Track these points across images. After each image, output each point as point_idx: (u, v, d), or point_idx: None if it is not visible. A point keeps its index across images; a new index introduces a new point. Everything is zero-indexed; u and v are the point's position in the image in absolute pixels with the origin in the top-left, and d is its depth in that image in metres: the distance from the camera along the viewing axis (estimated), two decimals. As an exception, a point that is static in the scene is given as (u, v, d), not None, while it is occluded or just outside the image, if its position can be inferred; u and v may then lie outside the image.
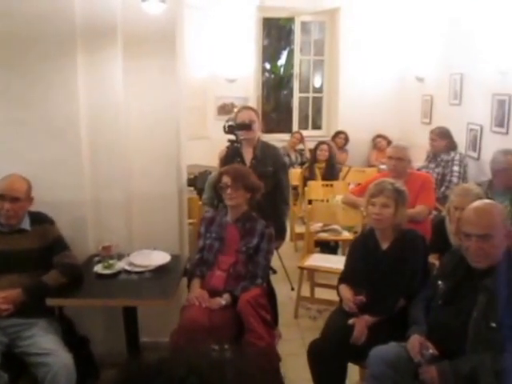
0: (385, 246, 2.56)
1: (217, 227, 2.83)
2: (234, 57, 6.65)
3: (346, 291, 2.56)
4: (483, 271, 2.01)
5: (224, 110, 6.73)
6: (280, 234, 3.34)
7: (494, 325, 1.90)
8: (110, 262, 2.76)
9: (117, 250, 2.84)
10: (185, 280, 2.88)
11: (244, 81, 6.82)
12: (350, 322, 2.40)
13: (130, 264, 2.79)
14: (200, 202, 3.96)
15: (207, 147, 5.91)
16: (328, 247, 4.70)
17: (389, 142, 6.69)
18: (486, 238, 1.96)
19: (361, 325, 2.38)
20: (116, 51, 2.90)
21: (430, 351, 2.02)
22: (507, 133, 4.21)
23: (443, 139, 4.81)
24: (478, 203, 2.08)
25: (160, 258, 2.84)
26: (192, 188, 4.59)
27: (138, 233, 3.11)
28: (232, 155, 3.34)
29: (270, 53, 9.85)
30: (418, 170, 4.87)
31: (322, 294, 3.88)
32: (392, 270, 2.47)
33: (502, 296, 1.90)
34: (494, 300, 1.92)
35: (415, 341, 2.08)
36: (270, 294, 3.25)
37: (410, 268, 2.45)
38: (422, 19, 6.14)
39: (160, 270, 2.77)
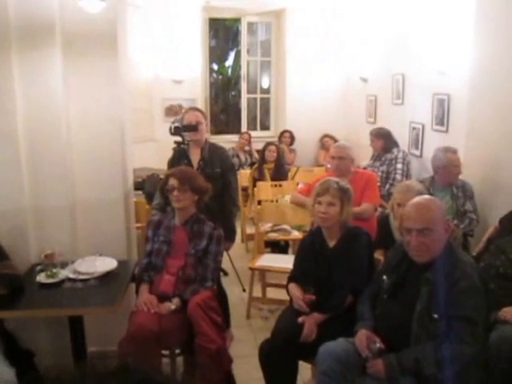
0: (332, 243, 2.60)
1: (164, 230, 2.79)
2: (181, 58, 6.59)
3: (295, 290, 2.58)
4: (425, 264, 2.08)
5: (171, 111, 6.65)
6: (230, 236, 3.33)
7: (435, 316, 1.97)
8: (54, 270, 2.65)
9: (60, 257, 2.73)
10: (133, 286, 2.82)
11: (191, 82, 6.77)
12: (300, 320, 2.41)
13: (75, 272, 2.69)
14: (148, 206, 3.88)
15: (155, 150, 5.83)
16: (278, 247, 4.74)
17: (336, 142, 6.84)
18: (425, 232, 2.03)
19: (310, 323, 2.40)
20: (55, 51, 2.79)
21: (377, 345, 2.06)
22: (447, 131, 4.39)
23: (379, 139, 5.02)
24: (417, 199, 2.15)
25: (106, 264, 2.76)
26: (140, 191, 4.51)
27: (83, 239, 3.02)
28: (179, 157, 3.30)
29: (217, 54, 9.83)
30: (364, 168, 5.01)
31: (273, 293, 3.89)
32: (339, 267, 2.51)
33: (442, 288, 1.97)
34: (437, 292, 1.99)
35: (362, 335, 2.12)
36: (221, 296, 3.24)
37: (356, 264, 2.50)
38: (364, 21, 6.31)
39: (106, 277, 2.69)
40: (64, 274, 2.67)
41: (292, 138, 6.84)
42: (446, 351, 1.89)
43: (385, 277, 2.24)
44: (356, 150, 6.58)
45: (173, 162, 3.31)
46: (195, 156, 3.33)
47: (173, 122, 3.35)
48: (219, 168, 3.31)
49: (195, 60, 6.78)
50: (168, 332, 2.48)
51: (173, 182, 2.70)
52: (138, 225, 3.68)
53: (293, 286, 2.64)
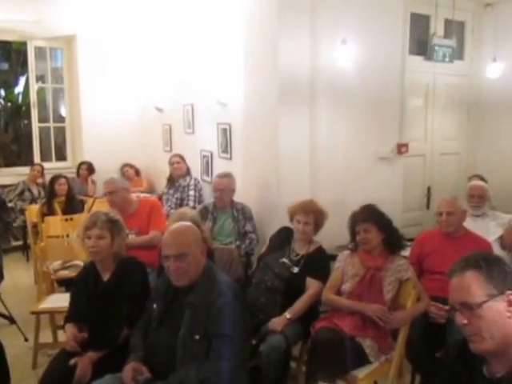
0: (106, 277, 2.55)
1: None
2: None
3: (68, 330, 2.46)
4: (187, 288, 2.15)
5: None
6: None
7: (197, 337, 2.04)
8: None
9: None
10: None
11: (-32, 109, 6.06)
12: (72, 362, 2.29)
13: None
14: None
15: None
16: (73, 284, 4.46)
17: (136, 171, 6.81)
18: (181, 257, 2.10)
19: (84, 363, 2.29)
20: None
21: (144, 375, 2.06)
22: (231, 158, 4.69)
23: (185, 162, 5.18)
24: (173, 226, 2.23)
25: None
26: None
27: None
28: None
29: (6, 79, 9.01)
30: (160, 196, 5.09)
31: (66, 335, 3.63)
32: (114, 301, 2.46)
33: (202, 309, 2.06)
34: (198, 314, 2.08)
35: (128, 368, 2.09)
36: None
37: (130, 296, 2.47)
38: (157, 51, 6.46)
39: None
40: None
41: (90, 169, 6.58)
42: (207, 370, 1.98)
43: (155, 305, 2.27)
44: (156, 177, 6.69)
45: None
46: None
47: None
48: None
49: (-27, 85, 6.11)
50: None
51: None
52: None
53: (68, 326, 2.51)
